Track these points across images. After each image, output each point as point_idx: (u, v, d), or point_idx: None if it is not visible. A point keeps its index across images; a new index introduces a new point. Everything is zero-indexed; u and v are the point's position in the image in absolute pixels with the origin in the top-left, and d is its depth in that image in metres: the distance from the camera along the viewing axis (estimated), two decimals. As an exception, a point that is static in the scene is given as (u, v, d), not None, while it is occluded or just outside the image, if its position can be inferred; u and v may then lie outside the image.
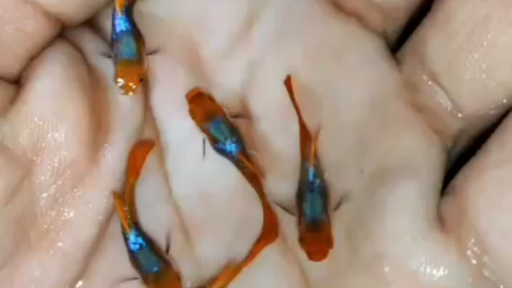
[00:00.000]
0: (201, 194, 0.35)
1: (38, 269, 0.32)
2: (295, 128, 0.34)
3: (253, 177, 0.34)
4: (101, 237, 0.33)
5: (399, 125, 0.34)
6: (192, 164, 0.35)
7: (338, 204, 0.34)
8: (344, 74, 0.34)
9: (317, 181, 0.34)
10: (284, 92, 0.34)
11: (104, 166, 0.33)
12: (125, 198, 0.33)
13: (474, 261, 0.32)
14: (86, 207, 0.32)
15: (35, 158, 0.31)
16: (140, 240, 0.33)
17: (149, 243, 0.33)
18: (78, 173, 0.32)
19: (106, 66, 0.33)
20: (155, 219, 0.34)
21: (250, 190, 0.35)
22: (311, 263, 0.33)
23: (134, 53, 0.33)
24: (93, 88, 0.33)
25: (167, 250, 0.34)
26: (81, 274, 0.33)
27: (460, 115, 0.34)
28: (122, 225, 0.33)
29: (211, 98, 0.35)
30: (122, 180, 0.33)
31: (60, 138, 0.31)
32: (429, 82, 0.34)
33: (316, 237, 0.33)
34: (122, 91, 0.33)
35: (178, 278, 0.34)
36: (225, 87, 0.35)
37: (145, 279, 0.33)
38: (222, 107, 0.35)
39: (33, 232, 0.32)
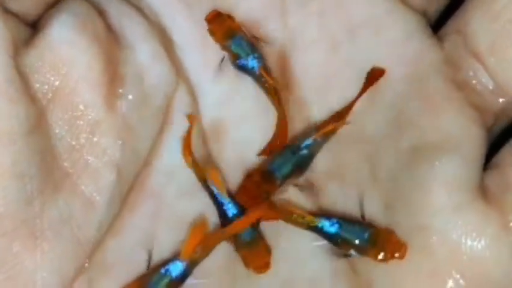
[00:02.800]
0: (239, 159, 0.35)
1: (64, 208, 0.32)
2: (331, 98, 0.35)
3: (274, 91, 0.35)
4: (123, 187, 0.33)
5: (439, 101, 0.34)
6: (230, 128, 0.35)
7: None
8: (385, 49, 0.35)
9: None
10: (321, 62, 0.35)
11: (118, 115, 0.33)
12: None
13: None
14: (103, 153, 0.32)
15: (47, 103, 0.31)
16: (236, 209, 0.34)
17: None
18: (93, 119, 0.32)
19: (129, 30, 0.34)
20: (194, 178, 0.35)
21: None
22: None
23: None
24: (111, 42, 0.33)
25: None
26: (106, 223, 0.33)
27: (501, 93, 0.34)
28: (216, 194, 0.34)
29: (230, 18, 0.35)
30: (136, 131, 0.33)
31: (72, 84, 0.32)
32: (471, 60, 0.34)
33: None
34: None
35: (268, 251, 0.34)
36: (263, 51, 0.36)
37: (237, 246, 0.34)
38: (241, 26, 0.35)
39: (57, 172, 0.32)
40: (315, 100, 0.35)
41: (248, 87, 0.35)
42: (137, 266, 0.34)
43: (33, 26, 0.33)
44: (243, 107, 0.36)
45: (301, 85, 0.35)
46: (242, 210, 0.34)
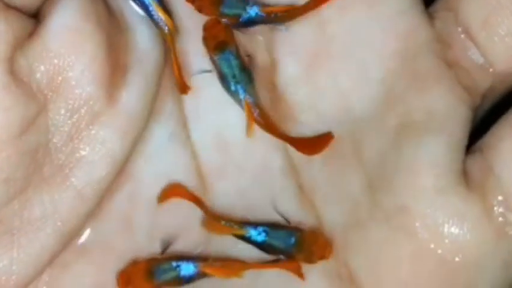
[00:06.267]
0: (218, 141, 0.34)
1: (49, 204, 0.31)
2: (321, 77, 0.34)
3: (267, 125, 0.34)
4: (116, 179, 0.33)
5: (428, 79, 0.34)
6: (210, 111, 0.34)
7: None
8: (376, 24, 0.34)
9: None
10: (312, 40, 0.34)
11: (121, 106, 0.32)
12: None
13: (499, 219, 0.32)
14: (102, 146, 0.32)
15: (51, 93, 0.31)
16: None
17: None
18: (93, 110, 0.31)
19: (128, 9, 0.33)
20: (172, 162, 0.34)
21: (268, 140, 0.34)
22: (330, 210, 0.34)
23: None
24: (112, 27, 0.32)
25: None
26: (92, 212, 0.33)
27: (490, 70, 0.34)
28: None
29: (227, 29, 0.34)
30: (138, 122, 0.33)
31: (76, 74, 0.31)
32: (462, 37, 0.34)
33: None
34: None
35: None
36: (250, 32, 0.34)
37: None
38: (236, 41, 0.34)
39: (47, 167, 0.31)
40: (303, 80, 0.34)
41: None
42: (114, 250, 0.33)
43: (36, 16, 0.32)
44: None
45: (287, 65, 0.34)
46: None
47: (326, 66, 0.34)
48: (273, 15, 0.34)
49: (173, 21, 0.34)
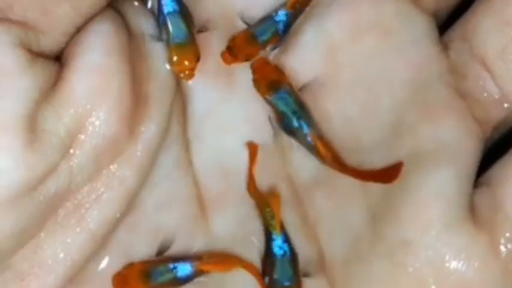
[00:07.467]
0: (220, 168, 0.34)
1: (61, 247, 0.31)
2: (328, 105, 0.34)
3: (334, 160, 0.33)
4: (126, 214, 0.32)
5: (439, 110, 0.33)
6: (213, 137, 0.34)
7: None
8: (388, 52, 0.33)
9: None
10: (321, 66, 0.33)
11: (141, 142, 0.31)
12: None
13: (506, 256, 0.31)
14: (120, 184, 0.31)
15: (78, 135, 0.30)
16: (286, 247, 0.33)
17: (293, 253, 0.33)
18: (116, 149, 0.31)
19: (144, 27, 0.32)
20: (173, 188, 0.33)
21: (272, 169, 0.34)
22: (332, 243, 0.33)
23: (186, 35, 0.32)
24: (135, 56, 0.31)
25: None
26: (98, 249, 0.32)
27: (505, 104, 0.33)
28: (268, 223, 0.33)
29: (277, 68, 0.33)
30: (154, 153, 0.32)
31: (103, 116, 0.30)
32: (477, 67, 0.33)
33: None
34: (181, 75, 0.32)
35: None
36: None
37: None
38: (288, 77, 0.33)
39: (63, 208, 0.30)
40: (311, 106, 0.34)
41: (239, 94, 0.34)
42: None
43: (58, 58, 0.31)
44: (229, 116, 0.34)
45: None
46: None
47: (333, 93, 0.34)
48: (297, 6, 0.33)
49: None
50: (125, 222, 0.32)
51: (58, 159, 0.29)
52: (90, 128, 0.30)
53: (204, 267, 0.33)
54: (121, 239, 0.32)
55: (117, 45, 0.30)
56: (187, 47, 0.32)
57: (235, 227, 0.34)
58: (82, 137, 0.30)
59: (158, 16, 0.33)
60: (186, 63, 0.32)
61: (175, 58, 0.32)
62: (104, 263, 0.32)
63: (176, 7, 0.32)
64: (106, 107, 0.30)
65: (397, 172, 0.32)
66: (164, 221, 0.33)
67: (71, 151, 0.30)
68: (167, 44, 0.32)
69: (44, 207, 0.30)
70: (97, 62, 0.30)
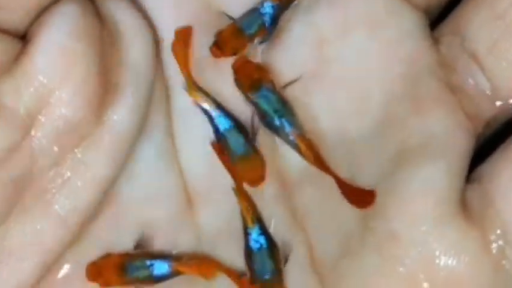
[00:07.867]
0: (207, 160, 0.33)
1: (31, 232, 0.30)
2: (317, 99, 0.33)
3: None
4: (101, 204, 0.32)
5: (430, 104, 0.33)
6: (200, 129, 0.33)
7: None
8: (378, 46, 0.33)
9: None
10: (310, 60, 0.33)
11: (110, 128, 0.31)
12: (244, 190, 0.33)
13: (497, 252, 0.31)
14: (87, 170, 0.31)
15: (38, 116, 0.30)
16: (262, 239, 0.33)
17: (272, 246, 0.33)
18: (81, 133, 0.30)
19: (120, 16, 0.32)
20: (156, 180, 0.33)
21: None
22: (322, 237, 0.33)
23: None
24: (104, 43, 0.31)
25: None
26: (74, 239, 0.31)
27: (497, 98, 0.33)
28: (244, 219, 0.33)
29: (258, 65, 0.33)
30: (127, 143, 0.32)
31: (65, 97, 0.30)
32: (468, 61, 0.33)
33: None
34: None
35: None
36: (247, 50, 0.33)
37: (253, 281, 0.32)
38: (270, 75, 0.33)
39: (29, 193, 0.30)
40: (301, 100, 0.33)
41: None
42: None
43: (23, 36, 0.30)
44: None
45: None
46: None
47: (323, 87, 0.33)
48: None
49: None
50: (105, 214, 0.32)
51: (19, 138, 0.29)
52: (51, 109, 0.29)
53: (181, 268, 0.32)
54: (100, 231, 0.32)
55: (83, 28, 0.30)
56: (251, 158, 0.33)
57: (222, 223, 0.33)
58: (43, 118, 0.29)
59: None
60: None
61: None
62: (83, 254, 0.32)
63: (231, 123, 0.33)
64: (69, 89, 0.29)
65: (371, 199, 0.32)
66: (147, 214, 0.33)
67: (32, 132, 0.29)
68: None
69: (9, 190, 0.29)
70: (60, 41, 0.30)
